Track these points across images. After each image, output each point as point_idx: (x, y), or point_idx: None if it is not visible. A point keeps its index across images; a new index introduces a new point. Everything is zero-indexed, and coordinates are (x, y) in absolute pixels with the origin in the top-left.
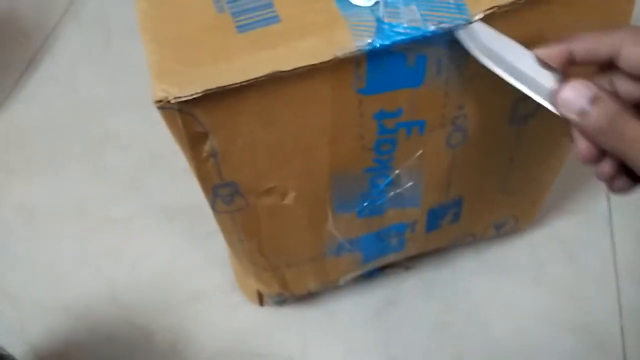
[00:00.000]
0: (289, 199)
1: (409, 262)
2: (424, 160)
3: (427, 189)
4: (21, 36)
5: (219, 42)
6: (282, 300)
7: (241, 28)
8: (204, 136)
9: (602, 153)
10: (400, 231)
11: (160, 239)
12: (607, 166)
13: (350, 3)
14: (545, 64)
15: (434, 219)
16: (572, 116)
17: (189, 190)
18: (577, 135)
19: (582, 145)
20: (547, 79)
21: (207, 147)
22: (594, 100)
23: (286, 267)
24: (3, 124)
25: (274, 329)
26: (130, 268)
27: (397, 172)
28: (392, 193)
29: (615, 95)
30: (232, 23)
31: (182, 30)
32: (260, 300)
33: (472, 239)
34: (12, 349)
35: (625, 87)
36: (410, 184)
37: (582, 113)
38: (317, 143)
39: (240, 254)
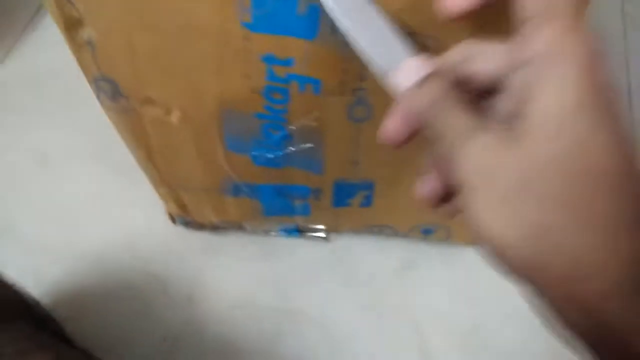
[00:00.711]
0: (175, 117)
1: (328, 233)
2: (324, 125)
3: (330, 159)
4: None
5: None
6: (187, 222)
7: None
8: (80, 22)
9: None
10: (303, 194)
11: None
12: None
13: None
14: (401, 39)
15: (342, 194)
16: (399, 95)
17: None
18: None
19: (393, 123)
20: (395, 56)
21: (84, 35)
22: (423, 80)
23: (183, 190)
24: (14, 66)
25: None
26: (145, 217)
27: (292, 127)
28: (289, 149)
29: (459, 82)
30: None
31: None
32: (172, 219)
33: (393, 233)
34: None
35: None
36: (309, 145)
37: (408, 91)
38: (202, 68)
39: (140, 161)
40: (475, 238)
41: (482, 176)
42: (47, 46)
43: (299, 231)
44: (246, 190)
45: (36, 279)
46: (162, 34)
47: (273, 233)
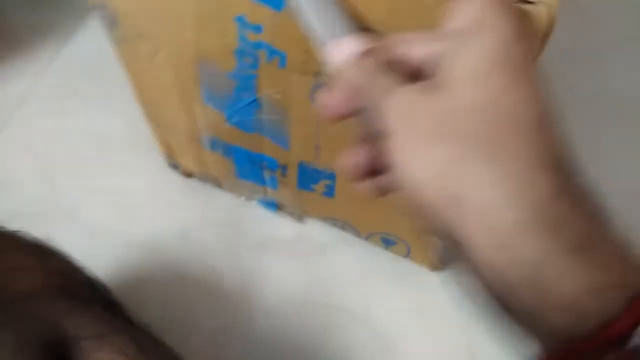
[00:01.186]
0: (160, 58)
1: (302, 214)
2: (288, 101)
3: (295, 137)
4: None
5: None
6: (174, 166)
7: None
8: None
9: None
10: (271, 167)
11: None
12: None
13: None
14: (345, 19)
15: (306, 178)
16: (333, 67)
17: None
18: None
19: (330, 97)
20: (336, 31)
21: None
22: (360, 55)
23: (168, 132)
24: (73, 53)
25: None
26: (201, 208)
27: (260, 95)
28: (258, 116)
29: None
30: None
31: None
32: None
33: (355, 233)
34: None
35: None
36: (276, 116)
37: (344, 64)
38: (182, 16)
39: (135, 98)
40: (402, 185)
41: (402, 120)
42: (104, 35)
43: (277, 206)
44: (221, 146)
45: (96, 263)
46: None
47: (252, 201)
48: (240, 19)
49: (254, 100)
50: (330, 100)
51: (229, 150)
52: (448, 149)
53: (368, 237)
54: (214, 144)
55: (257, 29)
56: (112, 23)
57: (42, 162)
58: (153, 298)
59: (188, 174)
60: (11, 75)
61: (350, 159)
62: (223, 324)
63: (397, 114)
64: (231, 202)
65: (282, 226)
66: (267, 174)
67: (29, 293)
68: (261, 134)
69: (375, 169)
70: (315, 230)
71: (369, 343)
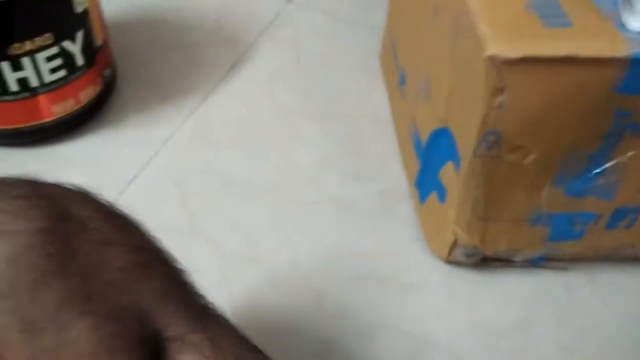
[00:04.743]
0: (528, 160)
1: (566, 263)
2: (633, 161)
3: (624, 188)
4: (229, 43)
5: (532, 29)
6: (471, 254)
7: (545, 23)
8: (500, 91)
9: None
10: (586, 219)
11: (332, 225)
12: None
13: (625, 27)
14: None
15: (616, 218)
16: None
17: (357, 192)
18: None
19: None
20: None
21: (499, 99)
22: None
23: (494, 221)
24: (211, 107)
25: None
26: (308, 242)
27: (609, 164)
28: (597, 182)
29: None
30: (538, 19)
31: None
32: (450, 252)
33: (631, 251)
34: (213, 290)
35: None
36: (613, 178)
37: None
38: (567, 120)
39: (466, 199)
40: None
41: None
42: (237, 98)
43: (546, 259)
44: (545, 219)
45: (220, 276)
46: (560, 103)
47: (517, 261)
48: (619, 113)
49: (602, 170)
50: None
51: (550, 220)
52: None
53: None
54: (538, 219)
55: (630, 114)
56: (492, 145)
57: (180, 191)
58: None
59: (482, 259)
60: (158, 121)
61: None
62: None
63: None
64: (336, 240)
65: (382, 262)
66: (577, 228)
67: (120, 275)
68: (591, 195)
69: None
70: None
71: None
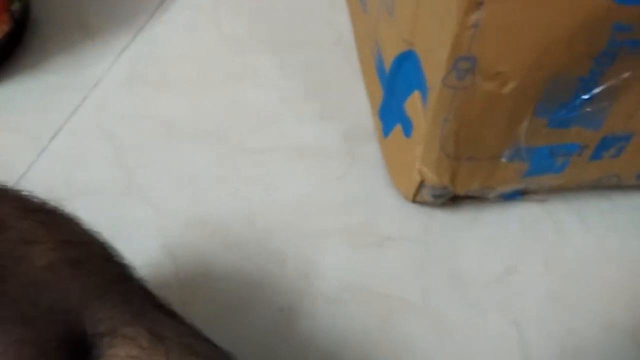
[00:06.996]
0: (507, 89)
1: (542, 196)
2: (626, 84)
3: (612, 115)
4: None
5: None
6: (439, 195)
7: None
8: (477, 5)
9: None
10: (569, 151)
11: (292, 175)
12: None
13: None
14: None
15: (601, 148)
16: None
17: (318, 134)
18: None
19: None
20: None
21: (474, 17)
22: None
23: (466, 160)
24: (146, 42)
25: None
26: (264, 195)
27: (599, 89)
28: (584, 110)
29: None
30: None
31: None
32: (416, 194)
33: (616, 181)
34: (150, 251)
35: None
36: (603, 104)
37: None
38: (554, 40)
39: (434, 135)
40: None
41: None
42: (176, 30)
43: (521, 194)
44: (523, 153)
45: (162, 242)
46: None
47: (491, 197)
48: (616, 26)
49: (590, 96)
50: None
51: (528, 155)
52: None
53: (626, 179)
54: (515, 154)
55: (629, 28)
56: (466, 72)
57: (113, 144)
58: (218, 279)
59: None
60: (85, 62)
61: None
62: (287, 304)
63: None
64: (292, 192)
65: (342, 217)
66: (559, 161)
67: (44, 275)
68: (576, 125)
69: None
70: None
71: (428, 334)
